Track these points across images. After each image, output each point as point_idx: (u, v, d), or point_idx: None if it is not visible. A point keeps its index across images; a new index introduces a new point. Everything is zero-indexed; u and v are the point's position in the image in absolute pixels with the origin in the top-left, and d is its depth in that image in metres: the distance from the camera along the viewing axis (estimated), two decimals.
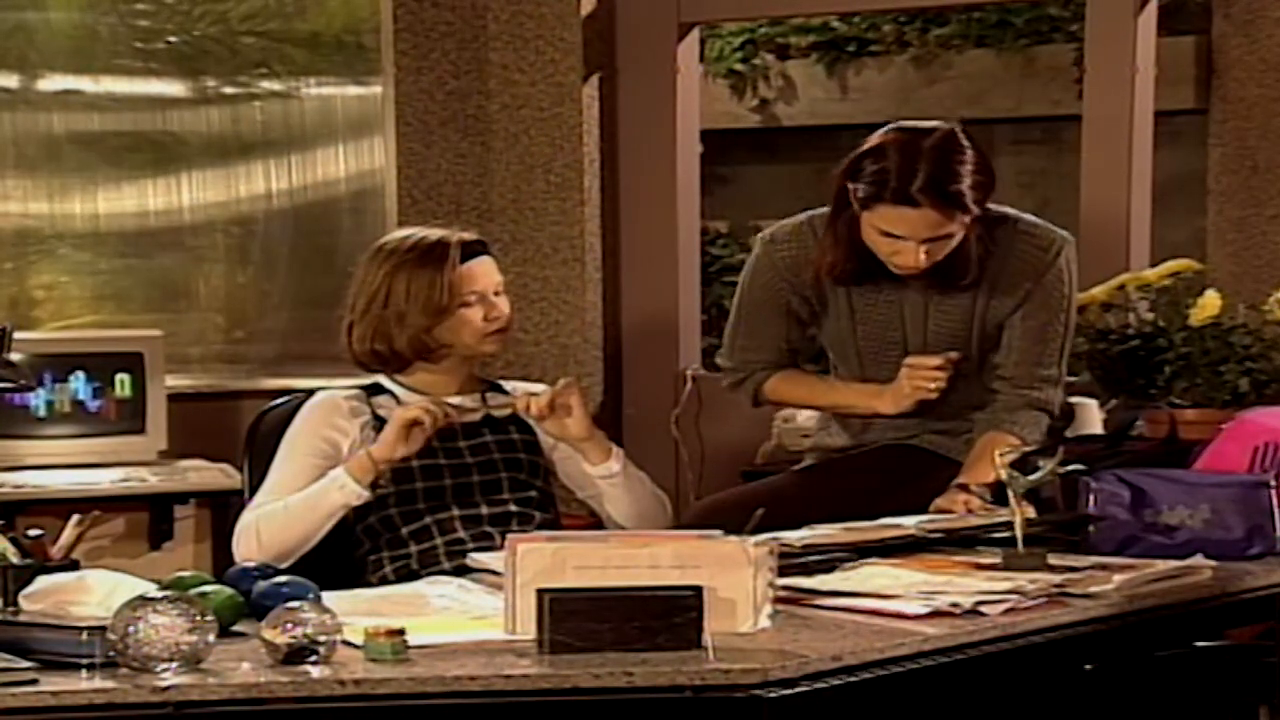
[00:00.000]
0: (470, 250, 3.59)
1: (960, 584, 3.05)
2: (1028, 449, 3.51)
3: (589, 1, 5.87)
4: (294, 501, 3.44)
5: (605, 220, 5.95)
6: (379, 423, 3.52)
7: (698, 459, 5.85)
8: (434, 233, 3.61)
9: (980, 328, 3.82)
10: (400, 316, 3.54)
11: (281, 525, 3.42)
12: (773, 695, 2.54)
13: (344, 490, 3.42)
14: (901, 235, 3.65)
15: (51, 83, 5.61)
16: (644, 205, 5.94)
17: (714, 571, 2.69)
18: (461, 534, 3.49)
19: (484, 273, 3.59)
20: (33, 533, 2.99)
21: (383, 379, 3.63)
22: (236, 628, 2.74)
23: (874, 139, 3.68)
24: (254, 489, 3.59)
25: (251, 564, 2.99)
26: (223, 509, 5.19)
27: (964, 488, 3.63)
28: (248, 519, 3.46)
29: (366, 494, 3.43)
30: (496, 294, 3.59)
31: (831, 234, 3.77)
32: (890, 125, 3.73)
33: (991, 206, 3.79)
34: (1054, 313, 3.80)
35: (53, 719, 2.44)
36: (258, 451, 3.67)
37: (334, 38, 5.84)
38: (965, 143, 3.67)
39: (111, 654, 2.51)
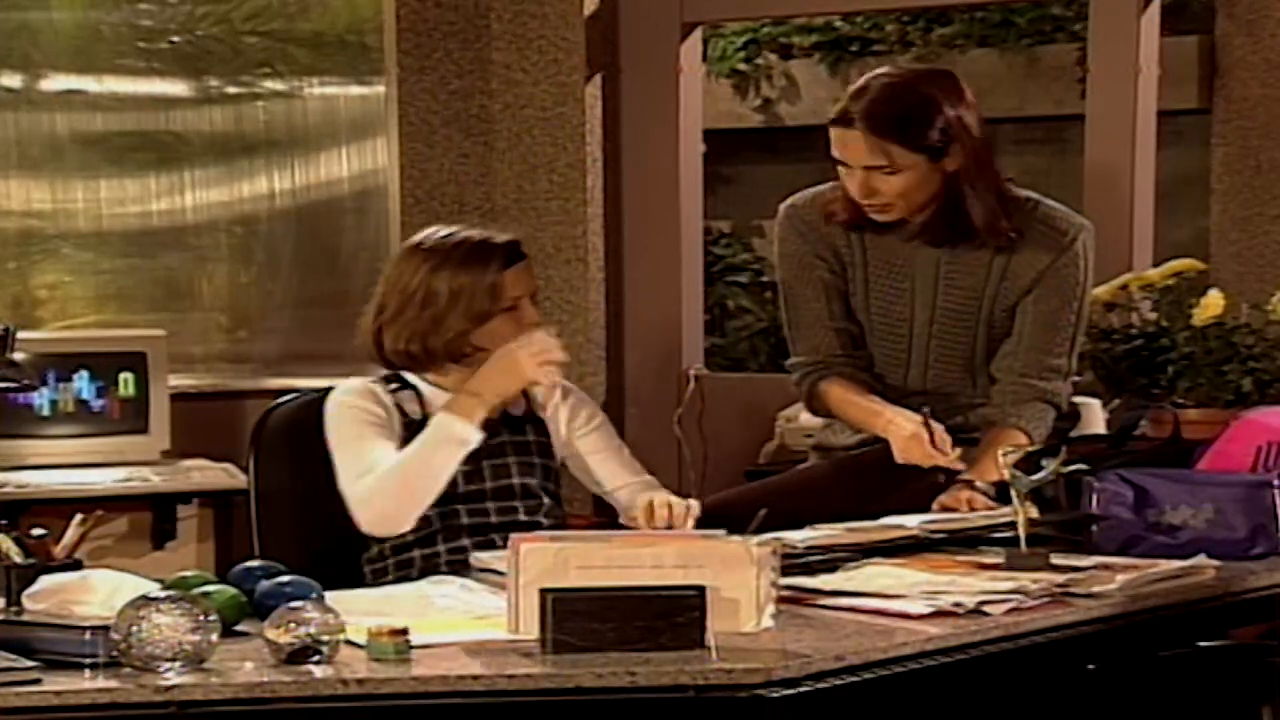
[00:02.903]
0: (513, 254, 3.53)
1: (963, 584, 3.05)
2: (1031, 449, 3.51)
3: (592, 1, 5.87)
4: (406, 463, 3.38)
5: (608, 220, 5.95)
6: (403, 416, 3.49)
7: (701, 459, 5.85)
8: (475, 233, 3.54)
9: (990, 309, 3.82)
10: (438, 319, 3.46)
11: (399, 490, 3.36)
12: (775, 695, 2.54)
13: (465, 444, 3.37)
14: (846, 162, 3.69)
15: (54, 82, 5.61)
16: (647, 205, 5.94)
17: (717, 571, 2.69)
18: (465, 541, 3.46)
19: (525, 278, 3.53)
20: (36, 532, 2.99)
21: (408, 374, 3.57)
22: (239, 627, 2.73)
23: None
24: (260, 486, 3.58)
25: (255, 564, 2.98)
26: (225, 509, 5.20)
27: (969, 485, 3.63)
28: (359, 492, 3.37)
29: (480, 435, 3.39)
30: (533, 299, 3.54)
31: (836, 178, 3.81)
32: None
33: (1013, 188, 3.81)
34: (1066, 299, 3.80)
35: (56, 718, 2.44)
36: (264, 448, 3.64)
37: (337, 37, 5.85)
38: (930, 84, 3.71)
39: (115, 653, 2.51)
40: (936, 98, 3.69)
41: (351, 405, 3.48)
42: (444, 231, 3.56)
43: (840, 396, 3.85)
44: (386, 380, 3.56)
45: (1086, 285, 3.83)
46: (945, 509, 3.59)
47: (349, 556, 3.50)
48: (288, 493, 3.63)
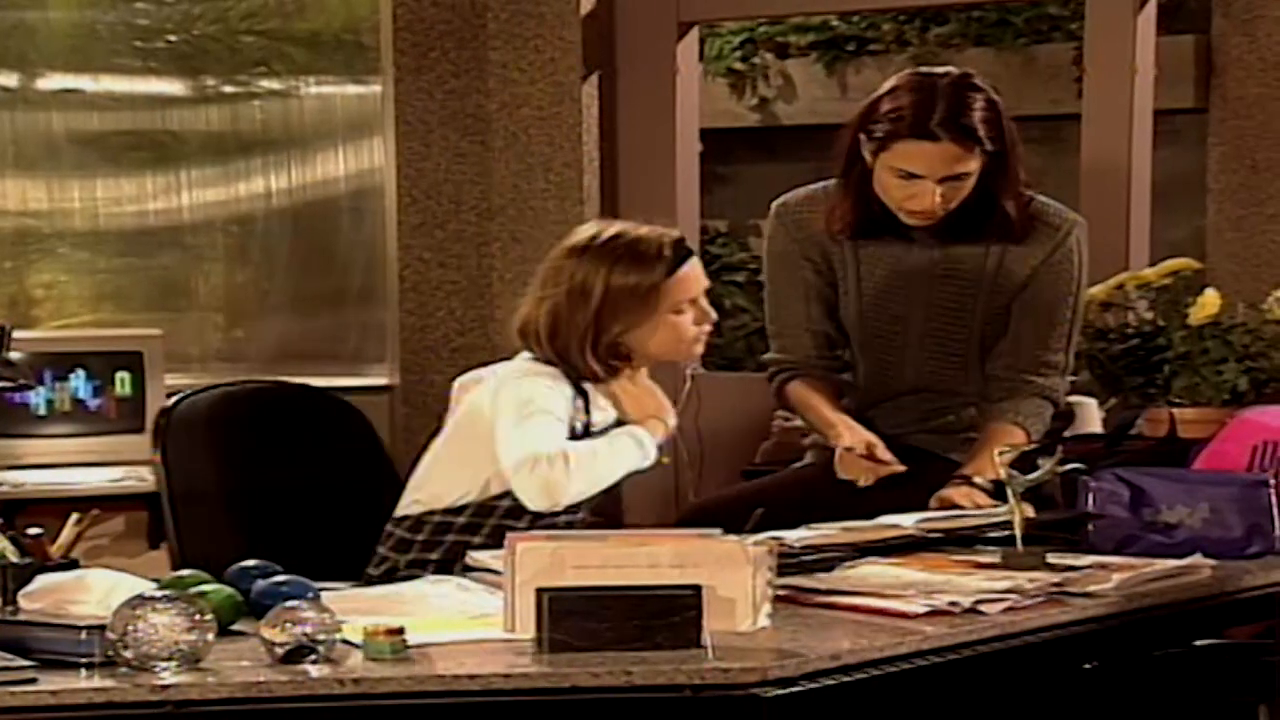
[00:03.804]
0: (684, 252, 3.45)
1: (959, 583, 3.05)
2: (1028, 448, 3.51)
3: (588, 1, 5.87)
4: (599, 451, 3.30)
5: (605, 219, 5.94)
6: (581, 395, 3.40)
7: (698, 458, 5.84)
8: (644, 230, 3.45)
9: (985, 306, 3.82)
10: (605, 324, 3.37)
11: (588, 474, 3.27)
12: (771, 694, 2.54)
13: (647, 456, 3.34)
14: (919, 174, 3.67)
15: (51, 82, 5.62)
16: (643, 204, 5.93)
17: (713, 570, 2.69)
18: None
19: (697, 276, 3.46)
20: (32, 531, 2.99)
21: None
22: (236, 627, 2.73)
23: (887, 85, 3.75)
24: (173, 486, 3.51)
25: (251, 563, 2.98)
26: None
27: (967, 480, 3.63)
28: (529, 456, 3.25)
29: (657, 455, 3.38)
30: (704, 292, 3.47)
31: (841, 189, 3.80)
32: (902, 73, 3.78)
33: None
34: (1062, 295, 3.81)
35: (52, 718, 2.44)
36: (176, 444, 3.55)
37: (333, 37, 5.85)
38: (979, 83, 3.72)
39: (111, 653, 2.51)
40: (992, 98, 3.70)
41: (556, 392, 3.35)
42: (613, 229, 3.46)
43: (803, 399, 3.88)
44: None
45: (1081, 280, 3.84)
46: (943, 504, 3.60)
47: (285, 561, 3.34)
48: (212, 495, 3.57)
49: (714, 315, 3.48)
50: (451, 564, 3.38)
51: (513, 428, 3.32)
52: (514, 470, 3.29)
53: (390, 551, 3.48)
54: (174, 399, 3.66)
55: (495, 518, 3.40)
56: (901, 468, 3.65)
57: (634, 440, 3.37)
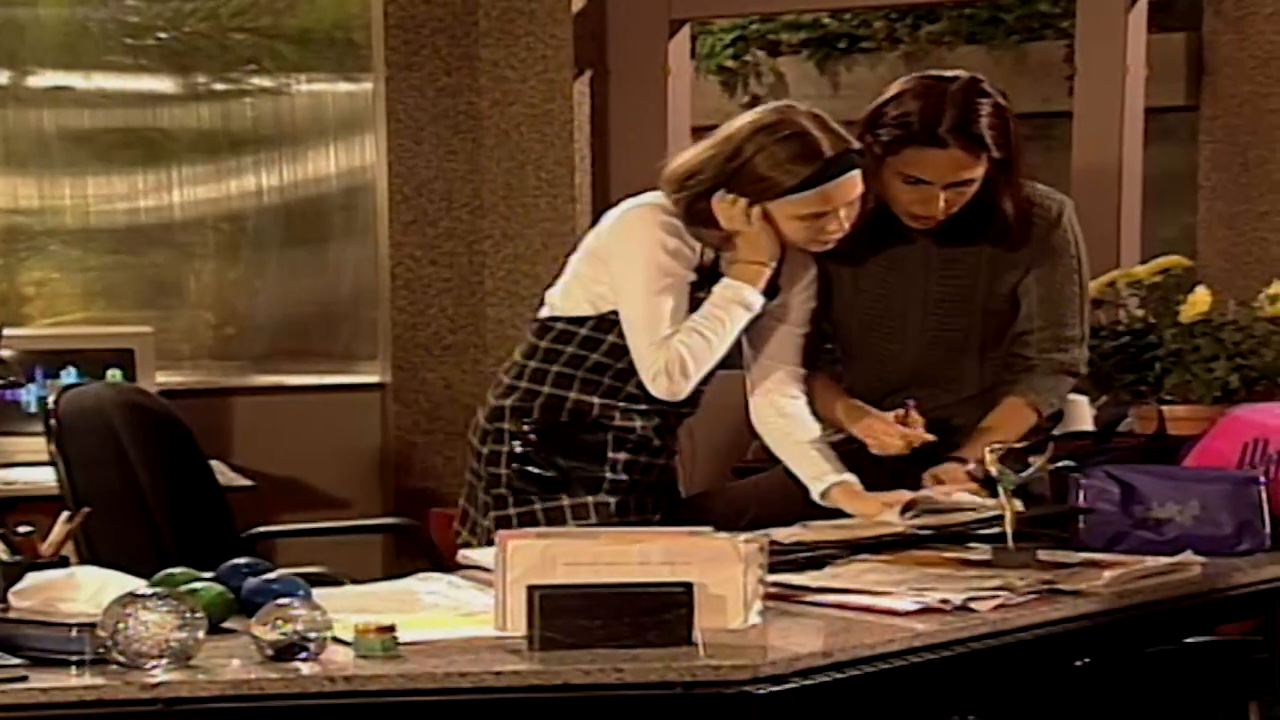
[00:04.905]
0: (835, 168, 3.52)
1: (950, 580, 3.05)
2: (1018, 445, 3.50)
3: None
4: (706, 337, 3.54)
5: (596, 217, 5.91)
6: (698, 258, 3.58)
7: (689, 455, 5.82)
8: (820, 134, 3.51)
9: (985, 294, 3.82)
10: (737, 183, 3.54)
11: (699, 364, 3.54)
12: (763, 691, 2.54)
13: (752, 309, 3.54)
14: (926, 179, 3.67)
15: (42, 79, 5.61)
16: None
17: (704, 568, 2.69)
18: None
19: (843, 193, 3.54)
20: (22, 529, 2.99)
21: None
22: (226, 624, 2.73)
23: (894, 88, 3.74)
24: (74, 483, 3.50)
25: (242, 560, 2.98)
26: None
27: (962, 463, 3.63)
28: (657, 363, 3.52)
29: (763, 300, 3.55)
30: (849, 204, 3.55)
31: None
32: (909, 75, 3.78)
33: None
34: (1068, 273, 3.82)
35: (43, 716, 2.44)
36: (67, 437, 3.56)
37: (325, 34, 5.85)
38: (987, 89, 3.71)
39: (101, 650, 2.51)
40: (999, 104, 3.69)
41: (664, 245, 3.58)
42: (792, 117, 3.54)
43: (819, 392, 3.87)
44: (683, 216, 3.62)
45: (1081, 254, 3.85)
46: (939, 482, 3.59)
47: (205, 559, 3.05)
48: (116, 495, 3.58)
49: (845, 228, 3.56)
50: (571, 378, 3.61)
51: (637, 318, 3.54)
52: (643, 373, 3.55)
53: (521, 358, 3.69)
54: (55, 396, 3.69)
55: (614, 334, 3.59)
56: (931, 437, 3.64)
57: (742, 306, 3.56)
